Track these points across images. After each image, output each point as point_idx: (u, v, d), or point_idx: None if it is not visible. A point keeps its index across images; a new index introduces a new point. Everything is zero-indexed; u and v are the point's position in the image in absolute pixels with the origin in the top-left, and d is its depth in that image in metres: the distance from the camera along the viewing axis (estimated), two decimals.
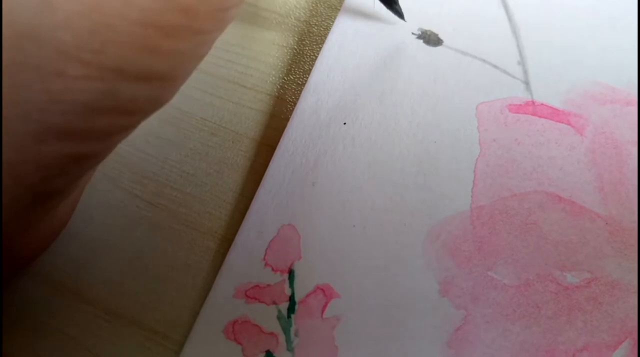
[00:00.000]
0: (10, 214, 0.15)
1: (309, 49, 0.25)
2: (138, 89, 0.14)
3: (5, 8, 0.12)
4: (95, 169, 0.20)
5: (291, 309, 0.20)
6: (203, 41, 0.15)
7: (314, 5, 0.26)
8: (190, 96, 0.24)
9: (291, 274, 0.20)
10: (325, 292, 0.20)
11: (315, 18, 0.26)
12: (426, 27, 0.25)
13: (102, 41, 0.13)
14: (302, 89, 0.24)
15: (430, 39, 0.25)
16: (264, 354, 0.19)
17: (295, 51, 0.25)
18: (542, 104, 0.23)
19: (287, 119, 0.23)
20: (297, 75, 0.24)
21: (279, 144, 0.22)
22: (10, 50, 0.12)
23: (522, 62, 0.24)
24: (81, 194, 0.21)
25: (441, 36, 0.25)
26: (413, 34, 0.24)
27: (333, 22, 0.25)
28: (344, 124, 0.22)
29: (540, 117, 0.23)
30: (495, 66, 0.24)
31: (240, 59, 0.25)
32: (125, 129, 0.15)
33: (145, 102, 0.14)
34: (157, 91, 0.14)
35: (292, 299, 0.20)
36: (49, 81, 0.13)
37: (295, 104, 0.23)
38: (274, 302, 0.20)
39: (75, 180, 0.16)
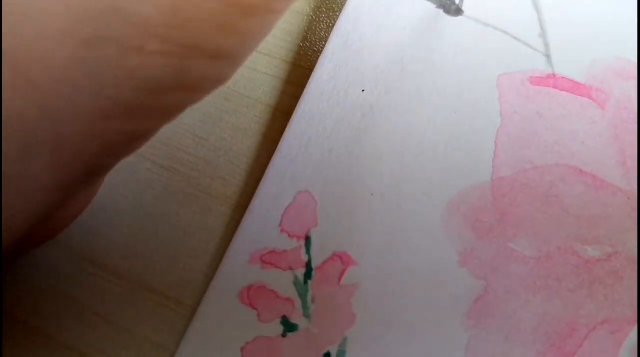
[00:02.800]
0: (65, 188, 0.14)
1: (325, 16, 0.24)
2: (209, 66, 0.13)
3: None
4: None
5: (308, 275, 0.19)
6: (272, 20, 0.14)
7: None
8: None
9: (308, 240, 0.20)
10: (342, 260, 0.20)
11: None
12: None
13: (184, 17, 0.12)
14: (318, 56, 0.23)
15: (451, 9, 0.24)
16: (279, 319, 0.19)
17: (311, 18, 0.24)
18: (563, 78, 0.22)
19: (303, 86, 0.22)
20: (313, 43, 0.24)
21: (296, 110, 0.22)
22: (92, 24, 0.12)
23: (543, 35, 0.23)
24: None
25: (462, 7, 0.24)
26: (433, 3, 0.24)
27: None
28: (363, 91, 0.22)
29: (561, 90, 0.22)
30: (516, 38, 0.23)
31: None
32: (185, 107, 0.15)
33: (211, 80, 0.14)
34: (224, 69, 0.14)
35: (308, 265, 0.20)
36: (126, 57, 0.12)
37: (311, 71, 0.23)
38: (290, 268, 0.20)
39: (124, 157, 0.15)
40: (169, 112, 0.15)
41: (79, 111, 0.13)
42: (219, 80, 0.15)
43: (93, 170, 0.15)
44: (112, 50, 0.12)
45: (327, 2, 0.25)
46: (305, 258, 0.20)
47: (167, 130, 0.22)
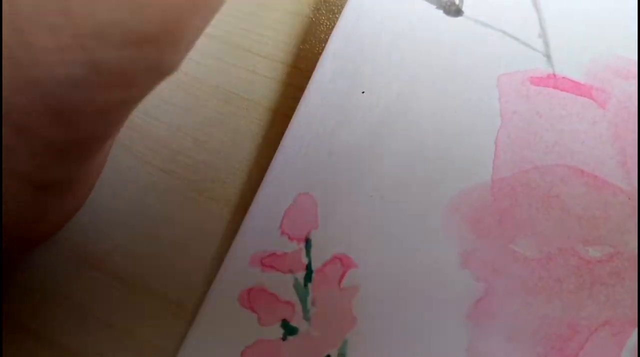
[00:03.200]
0: (12, 208, 0.14)
1: (325, 18, 0.24)
2: (127, 56, 0.12)
3: None
4: (111, 147, 0.19)
5: (308, 277, 0.19)
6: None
7: None
8: (203, 64, 0.23)
9: (308, 242, 0.20)
10: (342, 262, 0.20)
11: None
12: None
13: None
14: (318, 58, 0.23)
15: (450, 9, 0.24)
16: (280, 322, 0.19)
17: (310, 20, 0.24)
18: (563, 77, 0.22)
19: (303, 88, 0.22)
20: (313, 45, 0.24)
21: (296, 112, 0.22)
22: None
23: (543, 35, 0.23)
24: (101, 171, 0.20)
25: (461, 7, 0.24)
26: (433, 4, 0.24)
27: None
28: (362, 92, 0.22)
29: (561, 90, 0.22)
30: (516, 38, 0.23)
31: (254, 27, 0.24)
32: (126, 105, 0.13)
33: (141, 72, 0.12)
34: (152, 57, 0.12)
35: (308, 267, 0.19)
36: (15, 58, 0.11)
37: (311, 73, 0.23)
38: (291, 271, 0.19)
39: (81, 165, 0.15)
40: (108, 112, 0.13)
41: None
42: (156, 70, 0.13)
43: (44, 184, 0.14)
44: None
45: (327, 4, 0.25)
46: (305, 260, 0.20)
47: (167, 134, 0.22)
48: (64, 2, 0.10)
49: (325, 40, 0.24)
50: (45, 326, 0.20)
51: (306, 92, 0.22)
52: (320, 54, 0.23)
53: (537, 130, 0.22)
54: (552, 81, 0.22)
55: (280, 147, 0.21)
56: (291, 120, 0.22)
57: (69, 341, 0.20)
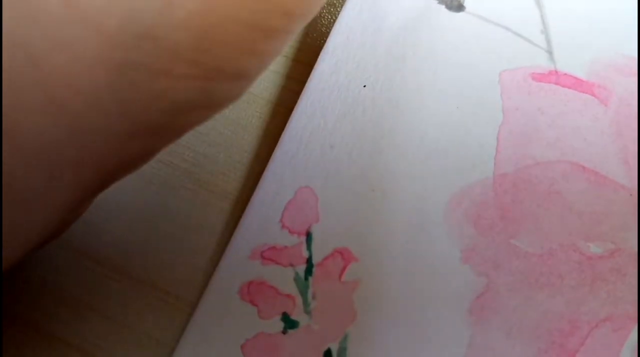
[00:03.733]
0: (81, 203, 0.14)
1: (326, 12, 0.24)
2: (230, 87, 0.14)
3: (129, 6, 0.12)
4: None
5: (308, 271, 0.19)
6: (288, 40, 0.15)
7: None
8: None
9: (309, 236, 0.20)
10: (343, 256, 0.19)
11: None
12: None
13: (212, 41, 0.12)
14: (319, 51, 0.23)
15: (452, 5, 0.24)
16: (280, 315, 0.19)
17: None
18: (565, 74, 0.22)
19: (304, 82, 0.22)
20: (314, 38, 0.24)
21: (297, 105, 0.22)
22: (125, 50, 0.12)
23: (545, 31, 0.23)
24: None
25: (463, 3, 0.24)
26: None
27: None
28: (364, 86, 0.22)
29: (563, 86, 0.22)
30: (518, 34, 0.23)
31: None
32: (202, 122, 0.15)
33: (228, 99, 0.14)
34: (242, 88, 0.14)
35: (309, 261, 0.19)
36: (155, 81, 0.12)
37: (312, 66, 0.23)
38: (291, 264, 0.19)
39: (136, 169, 0.15)
40: (188, 128, 0.15)
41: (106, 134, 0.13)
42: (235, 98, 0.15)
43: (108, 183, 0.15)
44: (142, 75, 0.12)
45: None
46: (305, 254, 0.19)
47: None
48: (207, 43, 0.12)
49: (327, 34, 0.23)
50: (44, 319, 0.20)
51: (307, 85, 0.22)
52: (321, 47, 0.23)
53: (539, 126, 0.21)
54: (554, 77, 0.22)
55: (281, 140, 0.21)
56: (292, 113, 0.21)
57: (66, 333, 0.19)
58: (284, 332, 0.19)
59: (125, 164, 0.14)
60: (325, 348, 0.18)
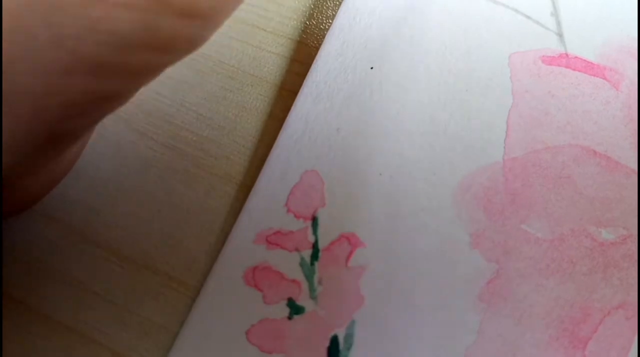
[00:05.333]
0: (23, 149, 0.13)
1: None
2: (180, 25, 0.13)
3: None
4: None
5: (314, 256, 0.19)
6: None
7: None
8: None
9: (314, 221, 0.19)
10: (350, 241, 0.19)
11: None
12: None
13: None
14: (324, 34, 0.22)
15: None
16: (285, 301, 0.18)
17: None
18: (575, 57, 0.22)
19: (309, 64, 0.22)
20: (320, 20, 0.23)
21: (302, 87, 0.21)
22: None
23: (555, 14, 0.23)
24: (89, 137, 0.20)
25: None
26: None
27: None
28: (371, 68, 0.21)
29: (574, 70, 0.22)
30: (527, 17, 0.23)
31: (260, 2, 0.23)
32: (156, 70, 0.14)
33: (183, 41, 0.13)
34: (197, 31, 0.13)
35: (315, 246, 0.19)
36: (89, 6, 0.11)
37: (318, 49, 0.22)
38: (297, 249, 0.19)
39: (93, 123, 0.15)
40: (138, 73, 0.14)
41: (36, 62, 0.12)
42: (192, 41, 0.14)
43: (59, 133, 0.14)
44: None
45: None
46: (311, 239, 0.19)
47: (170, 108, 0.22)
48: None
49: (332, 17, 0.23)
50: (44, 303, 0.19)
51: (313, 67, 0.21)
52: (327, 30, 0.23)
53: (549, 109, 0.21)
54: (565, 61, 0.22)
55: (286, 123, 0.21)
56: (297, 95, 0.21)
57: (67, 317, 0.19)
58: (290, 318, 0.18)
59: (70, 107, 0.13)
60: (331, 334, 0.18)
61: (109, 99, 0.14)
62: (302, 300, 0.18)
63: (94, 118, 0.15)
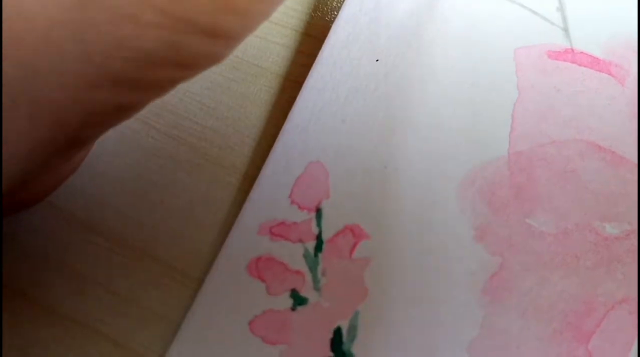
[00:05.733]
0: (42, 155, 0.14)
1: None
2: (204, 44, 0.13)
3: None
4: None
5: (318, 247, 0.19)
6: (275, 3, 0.14)
7: None
8: None
9: (319, 212, 0.19)
10: (354, 233, 0.19)
11: None
12: None
13: None
14: (330, 26, 0.22)
15: None
16: (289, 292, 0.18)
17: None
18: (581, 52, 0.22)
19: (314, 56, 0.22)
20: (325, 12, 0.23)
21: (307, 78, 0.21)
22: None
23: (561, 9, 0.23)
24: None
25: None
26: None
27: None
28: (377, 60, 0.21)
29: (579, 65, 0.22)
30: (533, 12, 0.23)
31: None
32: (176, 83, 0.14)
33: (205, 59, 0.14)
34: (219, 49, 0.14)
35: (319, 237, 0.19)
36: (119, 25, 0.12)
37: (322, 41, 0.22)
38: (300, 240, 0.19)
39: (110, 129, 0.15)
40: (159, 87, 0.14)
41: (63, 75, 0.12)
42: (213, 58, 0.14)
43: (75, 140, 0.14)
44: (103, 15, 0.12)
45: None
46: (315, 230, 0.19)
47: (173, 98, 0.21)
48: None
49: (338, 8, 0.23)
50: (45, 293, 0.19)
51: (318, 59, 0.21)
52: (332, 22, 0.23)
53: (555, 104, 0.21)
54: (570, 56, 0.22)
55: (290, 114, 0.21)
56: (302, 86, 0.21)
57: (68, 308, 0.19)
58: (293, 309, 0.18)
59: (90, 118, 0.13)
60: (335, 326, 0.18)
61: (128, 110, 0.14)
62: (306, 291, 0.18)
63: (111, 126, 0.15)
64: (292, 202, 0.19)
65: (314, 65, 0.21)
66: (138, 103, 0.14)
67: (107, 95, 0.13)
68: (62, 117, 0.13)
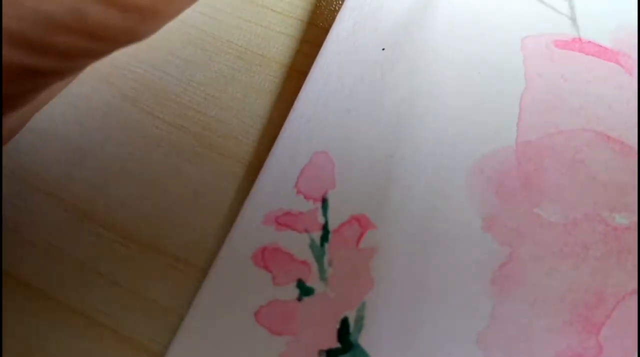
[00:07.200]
0: None
1: None
2: (110, 15, 0.13)
3: None
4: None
5: (324, 237, 0.18)
6: None
7: None
8: (215, 18, 0.22)
9: (324, 202, 0.19)
10: (360, 223, 0.19)
11: None
12: None
13: None
14: (335, 15, 0.22)
15: None
16: (295, 282, 0.18)
17: None
18: (589, 42, 0.22)
19: (319, 45, 0.21)
20: (330, 1, 0.23)
21: (312, 68, 0.21)
22: None
23: None
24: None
25: None
26: None
27: None
28: (383, 49, 0.21)
29: (587, 54, 0.21)
30: (541, 1, 0.22)
31: None
32: (93, 54, 0.14)
33: (118, 32, 0.14)
34: (132, 24, 0.14)
35: (325, 227, 0.19)
36: None
37: (327, 30, 0.22)
38: (306, 230, 0.19)
39: (29, 93, 0.15)
40: (71, 55, 0.14)
41: None
42: (131, 34, 0.14)
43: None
44: None
45: None
46: (321, 220, 0.19)
47: (177, 87, 0.21)
48: None
49: None
50: (49, 285, 0.19)
51: (324, 48, 0.21)
52: (337, 11, 0.22)
53: (562, 93, 0.21)
54: (578, 45, 0.22)
55: (296, 104, 0.20)
56: (308, 75, 0.21)
57: (72, 299, 0.19)
58: (299, 299, 0.18)
59: (10, 79, 0.14)
60: (342, 316, 0.18)
61: (41, 73, 0.14)
62: (312, 281, 0.18)
63: (27, 88, 0.15)
64: (298, 192, 0.19)
65: (320, 54, 0.21)
66: (51, 69, 0.14)
67: (10, 54, 0.13)
68: None
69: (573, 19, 0.22)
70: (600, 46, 0.21)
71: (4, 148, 0.20)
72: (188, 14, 0.18)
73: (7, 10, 0.12)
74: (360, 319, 0.18)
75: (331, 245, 0.18)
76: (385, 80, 0.20)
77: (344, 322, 0.18)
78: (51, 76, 0.14)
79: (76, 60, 0.14)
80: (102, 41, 0.14)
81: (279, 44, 0.22)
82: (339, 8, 0.22)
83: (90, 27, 0.13)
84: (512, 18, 0.22)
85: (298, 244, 0.18)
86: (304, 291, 0.18)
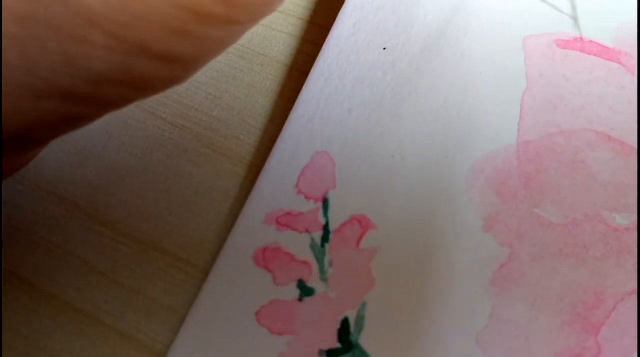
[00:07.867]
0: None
1: None
2: (156, 68, 0.13)
3: None
4: None
5: (325, 238, 0.19)
6: (236, 31, 0.14)
7: None
8: None
9: (325, 202, 0.19)
10: (361, 223, 0.19)
11: None
12: None
13: (132, 15, 0.12)
14: (336, 14, 0.22)
15: None
16: (296, 282, 0.18)
17: None
18: (591, 41, 0.22)
19: (320, 45, 0.21)
20: (332, 1, 0.23)
21: (314, 67, 0.21)
22: (30, 3, 0.12)
23: None
24: None
25: None
26: None
27: None
28: (384, 49, 0.21)
29: (589, 54, 0.21)
30: (543, 0, 0.22)
31: None
32: (131, 101, 0.15)
33: (160, 81, 0.14)
34: (175, 73, 0.14)
35: (326, 228, 0.19)
36: (66, 44, 0.12)
37: (329, 29, 0.22)
38: (307, 231, 0.19)
39: (64, 133, 0.15)
40: (113, 103, 0.14)
41: (6, 84, 0.12)
42: (172, 81, 0.14)
43: (26, 141, 0.14)
44: (49, 33, 0.12)
45: None
46: (322, 221, 0.19)
47: (179, 88, 0.21)
48: (126, 16, 0.12)
49: None
50: (50, 283, 0.19)
51: (325, 47, 0.21)
52: (338, 10, 0.22)
53: (564, 93, 0.21)
54: (580, 45, 0.22)
55: (297, 104, 0.20)
56: (309, 75, 0.21)
57: (73, 298, 0.19)
58: (300, 299, 0.18)
59: (39, 124, 0.14)
60: (342, 316, 0.18)
61: (81, 119, 0.15)
62: (313, 282, 0.18)
63: (66, 132, 0.15)
64: (299, 192, 0.19)
65: (321, 53, 0.21)
66: (91, 115, 0.15)
67: (55, 106, 0.13)
68: (6, 121, 0.13)
69: (575, 19, 0.22)
70: (602, 46, 0.21)
71: None
72: None
73: (59, 68, 0.12)
74: (360, 320, 0.18)
75: (332, 245, 0.19)
76: (386, 80, 0.21)
77: (345, 323, 0.18)
78: (88, 119, 0.15)
79: (119, 107, 0.15)
80: (145, 90, 0.14)
81: (281, 43, 0.22)
82: (341, 7, 0.22)
83: (138, 81, 0.13)
84: (513, 17, 0.22)
85: (299, 245, 0.18)
86: (305, 291, 0.18)
